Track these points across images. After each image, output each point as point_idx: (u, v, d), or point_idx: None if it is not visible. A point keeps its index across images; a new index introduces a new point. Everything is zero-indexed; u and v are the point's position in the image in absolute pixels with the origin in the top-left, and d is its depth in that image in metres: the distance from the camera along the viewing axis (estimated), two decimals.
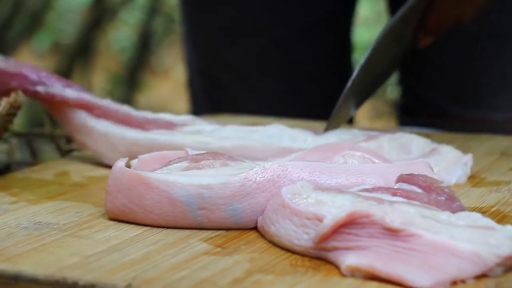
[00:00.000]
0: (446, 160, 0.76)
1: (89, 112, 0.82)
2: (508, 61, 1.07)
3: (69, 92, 0.82)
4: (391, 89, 2.82)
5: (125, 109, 0.83)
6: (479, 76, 1.08)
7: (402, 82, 1.17)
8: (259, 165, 0.66)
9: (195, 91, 1.21)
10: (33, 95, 0.81)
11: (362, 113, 3.25)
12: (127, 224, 0.65)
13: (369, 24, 3.00)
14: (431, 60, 1.11)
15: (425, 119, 1.12)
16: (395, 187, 0.63)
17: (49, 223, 0.65)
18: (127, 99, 2.88)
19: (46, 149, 1.00)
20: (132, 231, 0.64)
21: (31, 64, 0.84)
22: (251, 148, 0.79)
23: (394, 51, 0.93)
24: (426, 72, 1.12)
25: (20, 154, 0.92)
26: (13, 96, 0.78)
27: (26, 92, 0.80)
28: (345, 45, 1.19)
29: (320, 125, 0.92)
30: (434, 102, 1.11)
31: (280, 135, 0.81)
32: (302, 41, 1.13)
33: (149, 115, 0.84)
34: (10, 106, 0.78)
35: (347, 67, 1.20)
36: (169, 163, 0.69)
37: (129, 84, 2.92)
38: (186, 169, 0.67)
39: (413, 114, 1.15)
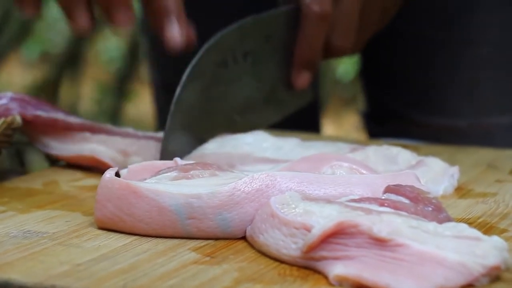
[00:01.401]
0: (433, 172, 0.77)
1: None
2: (471, 69, 1.07)
3: (72, 117, 0.84)
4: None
5: (126, 130, 0.84)
6: (442, 84, 1.08)
7: (366, 90, 1.17)
8: (247, 175, 0.66)
9: (161, 108, 1.20)
10: (33, 119, 0.82)
11: (349, 125, 3.27)
12: (116, 233, 0.66)
13: None
14: (393, 68, 1.12)
15: (392, 128, 1.12)
16: (383, 197, 0.64)
17: (39, 232, 0.66)
18: (116, 109, 2.88)
19: (35, 158, 1.01)
20: (121, 240, 0.64)
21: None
22: (229, 155, 0.80)
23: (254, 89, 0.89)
24: (389, 80, 1.13)
25: (8, 163, 0.92)
26: (11, 117, 0.79)
27: (25, 115, 0.81)
28: None
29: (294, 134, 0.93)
30: (398, 110, 1.12)
31: (260, 143, 0.82)
32: None
33: (146, 134, 0.85)
34: (7, 126, 0.78)
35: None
36: (158, 172, 0.69)
37: (118, 94, 2.92)
38: (176, 178, 0.68)
39: (379, 123, 1.15)
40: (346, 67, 3.33)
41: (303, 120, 1.10)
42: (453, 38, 1.06)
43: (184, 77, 0.82)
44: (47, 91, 2.77)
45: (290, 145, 0.83)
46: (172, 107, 0.81)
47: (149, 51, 1.20)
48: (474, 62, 1.07)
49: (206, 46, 0.83)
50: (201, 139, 0.83)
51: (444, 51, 1.07)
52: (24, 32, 2.89)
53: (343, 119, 3.20)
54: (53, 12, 3.04)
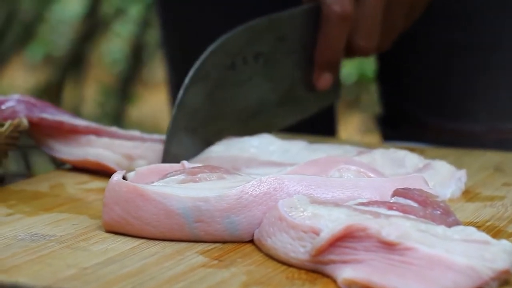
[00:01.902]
0: (440, 175, 0.76)
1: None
2: (488, 73, 1.07)
3: (78, 120, 0.84)
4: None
5: (131, 133, 0.84)
6: (457, 88, 1.08)
7: (383, 94, 1.17)
8: (255, 178, 0.66)
9: None
10: (39, 122, 0.82)
11: (352, 128, 3.27)
12: (123, 236, 0.66)
13: None
14: (409, 72, 1.11)
15: (407, 132, 1.12)
16: (391, 201, 0.63)
17: (46, 235, 0.66)
18: (119, 111, 2.88)
19: (41, 161, 1.00)
20: (129, 243, 0.64)
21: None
22: (234, 158, 0.80)
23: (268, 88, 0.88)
24: (405, 84, 1.12)
25: (15, 165, 0.92)
26: (17, 120, 0.79)
27: (31, 118, 0.81)
28: None
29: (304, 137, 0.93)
30: (414, 114, 1.11)
31: (267, 146, 0.82)
32: None
33: (152, 137, 0.85)
34: (14, 129, 0.78)
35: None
36: (166, 175, 0.69)
37: (121, 97, 2.92)
38: (183, 182, 0.68)
39: (394, 127, 1.15)
40: (349, 69, 3.33)
41: (318, 123, 1.10)
42: (470, 42, 1.06)
43: (186, 80, 0.82)
44: (50, 93, 2.77)
45: (296, 148, 0.82)
46: (174, 109, 0.81)
47: (165, 50, 1.20)
48: (490, 67, 1.06)
49: (210, 48, 0.83)
50: (209, 142, 0.83)
51: (461, 55, 1.06)
52: (27, 34, 2.89)
53: (347, 121, 3.20)
54: (57, 15, 3.05)
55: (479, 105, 1.07)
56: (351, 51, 0.90)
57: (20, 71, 3.22)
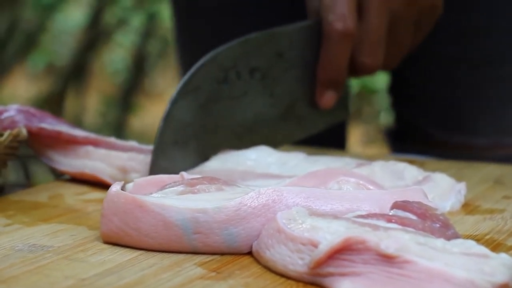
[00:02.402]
0: (440, 188, 0.76)
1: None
2: (491, 87, 1.07)
3: (77, 130, 0.84)
4: (383, 115, 2.84)
5: (129, 144, 0.84)
6: (462, 102, 1.08)
7: (393, 107, 1.17)
8: (254, 190, 0.66)
9: None
10: (38, 132, 0.82)
11: (354, 139, 3.27)
12: (121, 248, 0.65)
13: None
14: (418, 86, 1.11)
15: (414, 145, 1.12)
16: (390, 213, 0.63)
17: (44, 246, 0.65)
18: (121, 122, 2.88)
19: (40, 171, 1.00)
20: (127, 254, 0.64)
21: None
22: (230, 172, 0.79)
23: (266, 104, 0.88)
24: (414, 97, 1.12)
25: (14, 175, 0.92)
26: (17, 130, 0.78)
27: (30, 128, 0.81)
28: None
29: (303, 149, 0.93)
30: (422, 127, 1.12)
31: (264, 158, 0.82)
32: None
33: (149, 148, 0.84)
34: (13, 138, 0.78)
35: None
36: (164, 187, 0.69)
37: (123, 107, 2.93)
38: (182, 193, 0.67)
39: (401, 139, 1.15)
40: (351, 81, 3.33)
41: (327, 136, 1.10)
42: (477, 57, 1.06)
43: (174, 93, 0.81)
44: (52, 103, 2.77)
45: (295, 160, 0.82)
46: (160, 123, 0.80)
47: (177, 40, 1.19)
48: (496, 82, 1.06)
49: (201, 61, 0.82)
50: (203, 155, 0.83)
51: (467, 70, 1.06)
52: (29, 44, 2.90)
53: (349, 133, 3.20)
54: (59, 24, 3.05)
55: (484, 120, 1.07)
56: (355, 69, 0.90)
57: (22, 80, 3.22)
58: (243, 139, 0.86)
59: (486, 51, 1.06)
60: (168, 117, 0.81)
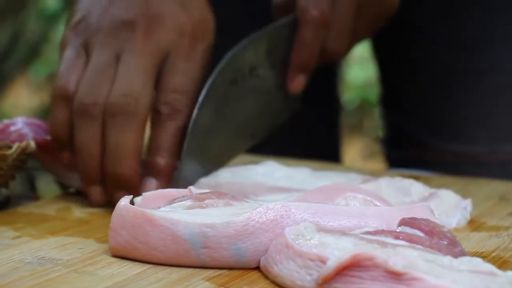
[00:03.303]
0: (446, 204, 0.77)
1: None
2: (489, 96, 1.07)
3: None
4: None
5: None
6: (457, 111, 1.09)
7: (386, 117, 1.18)
8: (262, 205, 0.66)
9: None
10: (46, 144, 0.82)
11: (355, 152, 3.27)
12: (130, 261, 0.66)
13: (362, 62, 3.02)
14: (412, 95, 1.12)
15: (409, 154, 1.12)
16: (398, 230, 0.64)
17: (53, 259, 0.66)
18: None
19: (46, 183, 1.01)
20: (135, 268, 0.64)
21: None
22: (242, 185, 0.80)
23: (259, 100, 0.89)
24: (408, 107, 1.13)
25: (20, 187, 0.92)
26: (25, 142, 0.79)
27: (38, 141, 0.82)
28: (331, 81, 1.20)
29: (309, 163, 0.93)
30: (417, 136, 1.12)
31: (272, 173, 0.82)
32: None
33: None
34: (21, 151, 0.78)
35: (333, 104, 1.20)
36: (173, 201, 0.69)
37: None
38: (190, 207, 0.68)
39: (397, 148, 1.15)
40: (351, 94, 3.34)
41: (322, 150, 1.10)
42: (472, 66, 1.07)
43: (200, 99, 0.81)
44: None
45: (302, 175, 0.83)
46: (189, 131, 0.80)
47: None
48: (492, 90, 1.07)
49: (220, 66, 0.83)
50: (216, 162, 0.84)
51: (462, 79, 1.07)
52: (32, 54, 2.91)
53: (350, 146, 3.20)
54: (61, 35, 3.06)
55: (479, 128, 1.08)
56: (322, 56, 0.91)
57: (24, 90, 3.23)
58: (239, 138, 0.87)
59: (481, 60, 1.07)
60: (193, 124, 0.80)
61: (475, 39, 1.06)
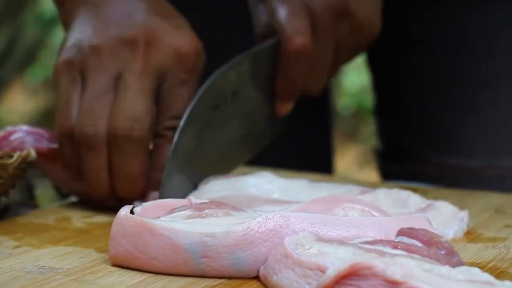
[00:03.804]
0: (443, 215, 0.77)
1: None
2: (485, 109, 1.08)
3: None
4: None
5: None
6: (454, 124, 1.09)
7: (381, 129, 1.18)
8: (261, 215, 0.67)
9: None
10: (47, 152, 0.83)
11: (350, 159, 3.27)
12: (130, 270, 0.66)
13: (358, 69, 3.02)
14: (408, 107, 1.12)
15: (404, 166, 1.13)
16: (396, 240, 0.64)
17: (53, 268, 0.66)
18: None
19: (45, 191, 1.01)
20: (135, 277, 0.65)
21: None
22: (237, 198, 0.80)
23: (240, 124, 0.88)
24: (404, 119, 1.13)
25: (18, 195, 0.93)
26: (26, 151, 0.79)
27: (39, 149, 0.82)
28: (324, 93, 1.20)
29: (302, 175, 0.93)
30: (413, 149, 1.12)
31: (267, 185, 0.82)
32: None
33: None
34: (22, 160, 0.79)
35: (326, 115, 1.20)
36: (172, 211, 0.70)
37: None
38: (190, 217, 0.68)
39: (392, 161, 1.15)
40: (346, 101, 3.34)
41: (315, 160, 1.10)
42: (469, 78, 1.07)
43: (181, 123, 0.80)
44: (50, 118, 2.78)
45: (298, 187, 0.83)
46: (170, 154, 0.80)
47: None
48: (488, 103, 1.07)
49: (201, 91, 0.82)
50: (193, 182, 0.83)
51: (459, 91, 1.07)
52: (28, 59, 2.91)
53: (344, 153, 3.21)
54: (56, 39, 3.06)
55: (476, 141, 1.08)
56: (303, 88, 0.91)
57: (20, 95, 3.23)
58: (224, 162, 0.87)
59: (479, 73, 1.07)
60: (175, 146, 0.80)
61: (474, 51, 1.06)
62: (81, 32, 0.82)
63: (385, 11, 0.94)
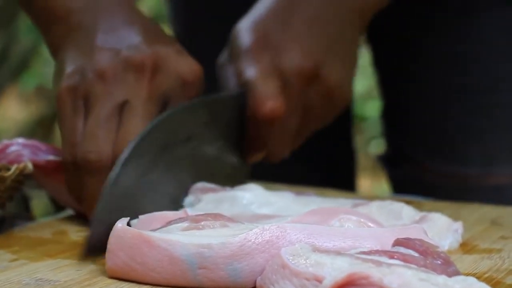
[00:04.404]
0: (437, 227, 0.78)
1: None
2: (482, 116, 1.08)
3: None
4: (374, 143, 2.83)
5: None
6: (452, 131, 1.09)
7: (385, 134, 1.18)
8: (258, 226, 0.67)
9: None
10: (44, 165, 0.82)
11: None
12: (127, 282, 0.66)
13: (365, 72, 3.02)
14: (410, 114, 1.12)
15: (407, 171, 1.13)
16: (392, 250, 0.64)
17: (51, 280, 0.66)
18: None
19: (40, 203, 1.01)
20: None
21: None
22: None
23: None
24: (405, 125, 1.13)
25: (14, 207, 0.93)
26: (23, 164, 0.80)
27: (36, 161, 0.82)
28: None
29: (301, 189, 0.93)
30: (413, 155, 1.13)
31: (255, 199, 0.81)
32: None
33: None
34: (19, 173, 0.79)
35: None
36: (169, 223, 0.70)
37: None
38: (187, 229, 0.69)
39: (394, 166, 1.15)
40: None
41: (337, 178, 1.10)
42: (468, 85, 1.07)
43: (123, 157, 0.75)
44: (43, 125, 2.78)
45: (283, 201, 0.82)
46: (104, 189, 0.74)
47: (172, 26, 1.20)
48: (488, 110, 1.07)
49: (148, 127, 0.77)
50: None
51: (456, 99, 1.07)
52: (21, 66, 2.91)
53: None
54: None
55: (473, 149, 1.08)
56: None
57: (13, 102, 3.23)
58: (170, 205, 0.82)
59: (477, 79, 1.07)
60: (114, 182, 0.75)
61: (472, 58, 1.06)
62: (81, 58, 0.81)
63: (384, 17, 0.93)
